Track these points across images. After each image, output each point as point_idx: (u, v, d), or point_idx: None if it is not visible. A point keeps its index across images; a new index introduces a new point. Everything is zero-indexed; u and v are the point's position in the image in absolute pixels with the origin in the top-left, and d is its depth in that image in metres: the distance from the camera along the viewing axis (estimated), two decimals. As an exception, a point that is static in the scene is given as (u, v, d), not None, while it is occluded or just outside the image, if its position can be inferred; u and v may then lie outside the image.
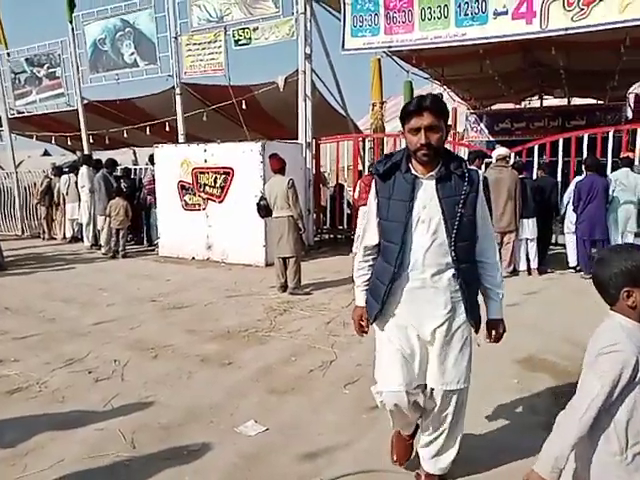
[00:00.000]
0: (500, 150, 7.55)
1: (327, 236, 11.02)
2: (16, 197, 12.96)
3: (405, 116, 2.11)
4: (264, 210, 6.30)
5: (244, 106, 9.97)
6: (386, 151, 10.54)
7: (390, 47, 8.85)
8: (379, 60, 10.34)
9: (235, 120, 10.54)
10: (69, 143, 14.13)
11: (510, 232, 7.12)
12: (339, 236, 10.71)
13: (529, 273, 7.30)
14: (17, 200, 12.95)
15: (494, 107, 18.33)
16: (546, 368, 3.87)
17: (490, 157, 7.93)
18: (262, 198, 6.33)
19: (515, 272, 7.30)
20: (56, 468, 2.64)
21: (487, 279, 2.26)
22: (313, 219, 9.92)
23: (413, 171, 2.16)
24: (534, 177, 8.03)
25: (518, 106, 18.40)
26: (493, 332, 2.30)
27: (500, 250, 7.23)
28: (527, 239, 7.28)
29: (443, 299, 2.18)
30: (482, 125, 17.26)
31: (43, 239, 11.88)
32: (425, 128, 2.06)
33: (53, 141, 14.50)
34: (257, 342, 4.57)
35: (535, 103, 18.19)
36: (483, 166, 7.76)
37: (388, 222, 2.20)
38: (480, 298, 2.31)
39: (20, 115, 13.17)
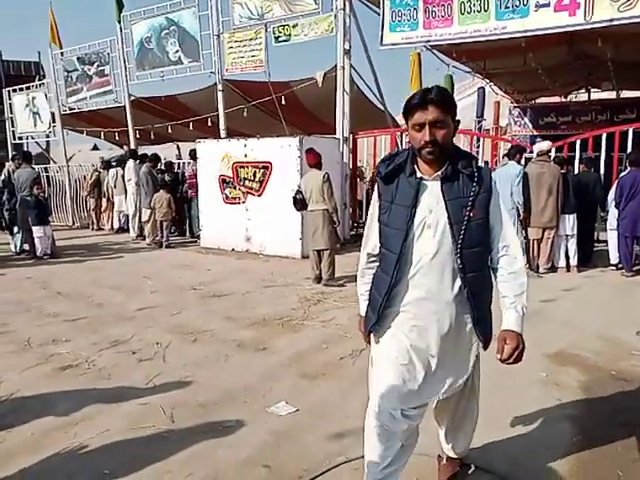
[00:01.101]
0: (542, 144, 7.44)
1: (363, 230, 11.08)
2: (67, 190, 13.61)
3: (408, 111, 1.89)
4: (300, 204, 6.45)
5: (283, 101, 10.15)
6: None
7: (429, 42, 8.82)
8: (419, 54, 10.30)
9: (274, 115, 10.74)
10: (117, 138, 14.73)
11: (551, 228, 7.03)
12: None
13: (568, 270, 7.17)
14: (68, 192, 13.59)
15: (538, 100, 17.90)
16: (576, 363, 3.87)
17: (531, 152, 7.83)
18: (298, 192, 6.49)
19: (554, 269, 7.20)
20: (102, 437, 2.87)
21: (503, 286, 1.99)
22: (349, 213, 10.02)
23: (418, 173, 1.95)
24: (576, 172, 7.88)
25: (564, 99, 17.87)
26: (504, 346, 1.92)
27: (539, 246, 7.16)
28: (567, 235, 7.16)
29: (448, 311, 1.95)
30: (526, 119, 16.89)
31: (92, 229, 12.45)
32: (430, 124, 1.84)
33: (102, 136, 15.14)
34: (291, 330, 4.74)
35: (582, 96, 17.61)
36: (523, 161, 7.67)
37: (388, 228, 1.99)
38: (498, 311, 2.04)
39: (72, 111, 13.75)
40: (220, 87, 10.68)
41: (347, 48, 9.16)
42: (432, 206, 1.92)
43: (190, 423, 3.02)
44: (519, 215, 6.95)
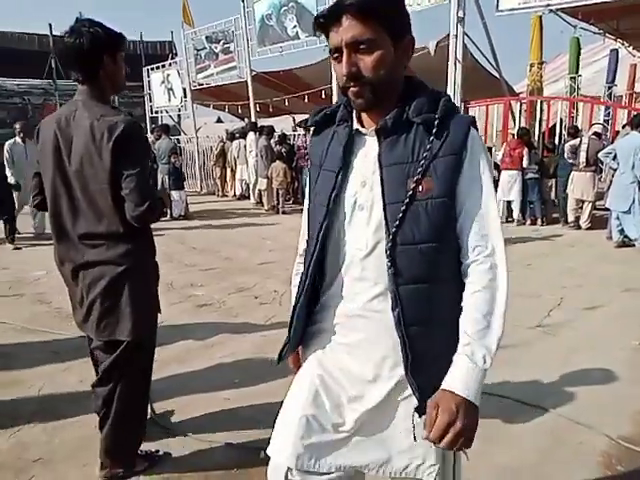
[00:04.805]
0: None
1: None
2: (196, 159, 15.03)
3: (323, 31, 1.22)
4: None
5: (395, 72, 10.33)
6: (545, 118, 10.16)
7: (548, 5, 8.47)
8: (540, 17, 9.91)
9: (386, 86, 10.95)
10: (239, 111, 15.87)
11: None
12: (484, 201, 10.70)
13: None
14: (197, 161, 15.02)
15: (683, 62, 16.04)
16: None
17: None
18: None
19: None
20: (231, 356, 3.58)
21: (462, 315, 1.20)
22: (457, 183, 10.06)
23: (355, 123, 1.29)
24: None
25: None
26: (433, 418, 1.12)
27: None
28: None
29: (384, 338, 1.25)
30: (667, 83, 15.29)
31: (217, 196, 13.72)
32: (348, 46, 1.16)
33: (226, 109, 16.37)
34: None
35: None
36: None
37: (313, 206, 1.36)
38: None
39: (200, 87, 15.04)
40: (334, 60, 11.07)
41: (461, 16, 9.07)
42: (367, 175, 1.25)
43: (301, 353, 3.62)
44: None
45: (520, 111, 10.16)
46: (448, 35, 9.35)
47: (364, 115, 1.28)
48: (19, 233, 8.02)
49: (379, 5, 1.16)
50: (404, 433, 1.27)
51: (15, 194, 7.81)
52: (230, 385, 3.18)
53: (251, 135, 11.51)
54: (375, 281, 1.24)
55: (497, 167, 10.08)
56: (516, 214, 8.82)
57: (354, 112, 1.30)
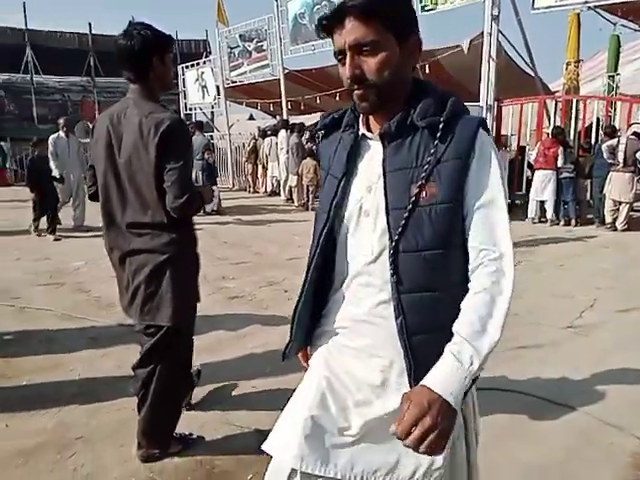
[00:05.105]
0: None
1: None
2: (228, 156, 15.26)
3: (328, 34, 1.20)
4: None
5: (427, 70, 10.29)
6: (581, 117, 9.96)
7: (586, 2, 8.30)
8: (578, 15, 9.71)
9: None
10: (271, 109, 16.04)
11: None
12: (517, 201, 10.56)
13: None
14: (229, 158, 15.24)
15: None
16: None
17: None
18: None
19: None
20: (262, 347, 3.67)
21: (460, 315, 1.13)
22: (489, 183, 9.94)
23: (362, 127, 1.28)
24: None
25: None
26: (404, 413, 1.01)
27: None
28: None
29: (390, 344, 1.21)
30: None
31: (248, 192, 13.91)
32: (351, 49, 1.15)
33: (258, 107, 16.58)
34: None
35: None
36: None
37: (319, 211, 1.36)
38: None
39: (233, 85, 15.26)
40: (366, 58, 11.08)
41: (495, 14, 8.97)
42: (372, 181, 1.23)
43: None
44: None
45: (555, 110, 9.98)
46: (482, 33, 9.26)
47: (371, 118, 1.26)
48: (60, 223, 8.34)
49: (383, 6, 1.13)
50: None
51: (59, 187, 8.13)
52: (261, 374, 3.27)
53: (282, 132, 11.63)
54: (380, 288, 1.22)
55: (530, 166, 9.94)
56: (549, 214, 8.69)
57: (361, 116, 1.28)
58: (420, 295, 1.17)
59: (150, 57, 2.14)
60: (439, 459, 1.21)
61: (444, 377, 1.04)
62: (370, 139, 1.25)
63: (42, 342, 3.81)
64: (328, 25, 1.17)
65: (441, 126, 1.15)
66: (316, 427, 1.23)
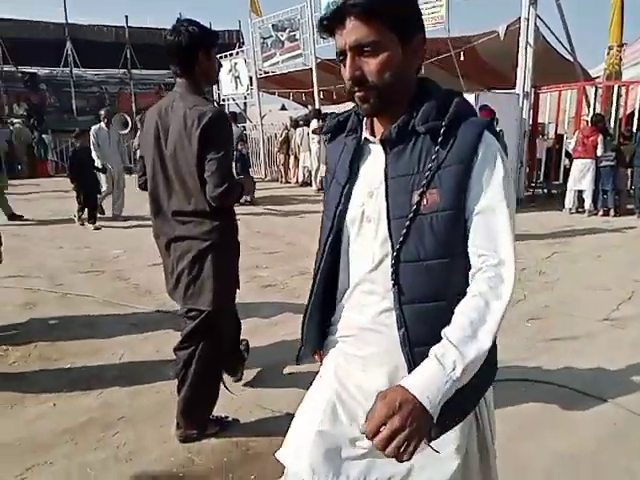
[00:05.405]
0: None
1: (541, 191, 10.72)
2: (261, 146, 15.38)
3: (326, 33, 1.18)
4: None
5: (462, 57, 10.13)
6: (622, 104, 9.64)
7: (630, -17, 7.99)
8: (622, -4, 9.36)
9: (452, 72, 10.76)
10: (303, 99, 16.05)
11: None
12: (553, 191, 10.34)
13: None
14: (262, 148, 15.37)
15: None
16: None
17: None
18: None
19: None
20: (293, 334, 3.65)
21: (453, 319, 1.09)
22: (525, 172, 9.77)
23: (365, 131, 1.24)
24: None
25: None
26: (373, 412, 0.98)
27: None
28: None
29: (395, 352, 1.17)
30: None
31: (280, 182, 14.01)
32: (352, 50, 1.11)
33: (290, 97, 16.62)
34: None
35: None
36: None
37: (324, 216, 1.35)
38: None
39: (265, 75, 15.33)
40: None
41: (534, -2, 8.75)
42: (374, 186, 1.20)
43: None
44: None
45: (595, 97, 9.68)
46: (519, 18, 9.04)
47: (375, 121, 1.22)
48: (103, 213, 8.63)
49: (384, 5, 1.08)
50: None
51: (102, 177, 8.40)
52: (291, 361, 3.31)
53: (314, 122, 11.64)
54: (383, 296, 1.19)
55: (568, 155, 9.70)
56: (588, 204, 8.48)
57: (365, 119, 1.24)
58: (422, 306, 1.14)
59: (196, 52, 2.24)
60: (452, 466, 1.19)
61: (423, 379, 1.00)
62: (373, 143, 1.22)
63: (84, 327, 4.00)
64: (329, 25, 1.14)
65: (442, 130, 1.11)
66: (327, 438, 1.22)
